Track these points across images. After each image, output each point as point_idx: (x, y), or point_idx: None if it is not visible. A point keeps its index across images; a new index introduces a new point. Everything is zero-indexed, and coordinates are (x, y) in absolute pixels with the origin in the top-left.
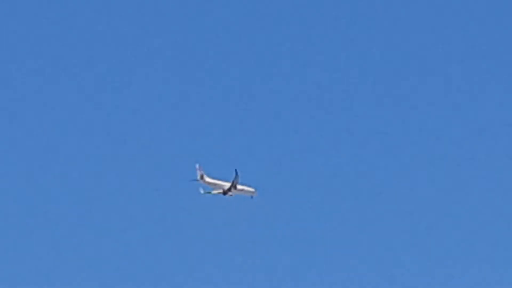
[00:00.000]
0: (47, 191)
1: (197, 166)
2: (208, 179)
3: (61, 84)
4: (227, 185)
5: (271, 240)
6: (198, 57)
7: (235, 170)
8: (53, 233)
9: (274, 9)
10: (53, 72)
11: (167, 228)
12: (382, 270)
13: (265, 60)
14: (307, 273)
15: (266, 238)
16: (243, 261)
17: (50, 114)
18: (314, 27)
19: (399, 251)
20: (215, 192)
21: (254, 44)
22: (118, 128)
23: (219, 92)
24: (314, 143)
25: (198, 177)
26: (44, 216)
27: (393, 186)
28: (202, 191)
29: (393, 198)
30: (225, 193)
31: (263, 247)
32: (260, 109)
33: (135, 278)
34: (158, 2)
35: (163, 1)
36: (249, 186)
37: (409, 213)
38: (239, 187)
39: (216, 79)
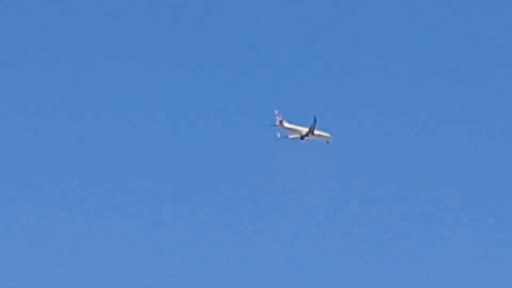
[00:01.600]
0: None
1: (276, 112)
2: (286, 125)
3: None
4: (304, 130)
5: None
6: None
7: (314, 116)
8: None
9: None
10: None
11: (246, 167)
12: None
13: None
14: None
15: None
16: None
17: None
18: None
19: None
20: (292, 136)
21: None
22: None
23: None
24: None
25: (277, 123)
26: None
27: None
28: (279, 135)
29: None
30: (302, 137)
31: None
32: (342, 60)
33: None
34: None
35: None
36: (325, 131)
37: None
38: (316, 132)
39: None
